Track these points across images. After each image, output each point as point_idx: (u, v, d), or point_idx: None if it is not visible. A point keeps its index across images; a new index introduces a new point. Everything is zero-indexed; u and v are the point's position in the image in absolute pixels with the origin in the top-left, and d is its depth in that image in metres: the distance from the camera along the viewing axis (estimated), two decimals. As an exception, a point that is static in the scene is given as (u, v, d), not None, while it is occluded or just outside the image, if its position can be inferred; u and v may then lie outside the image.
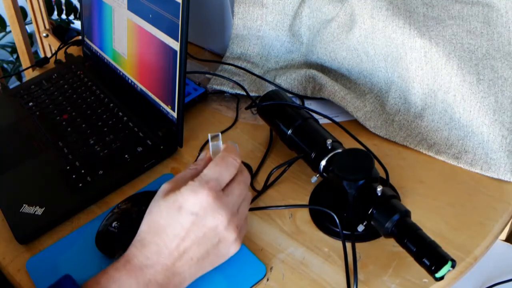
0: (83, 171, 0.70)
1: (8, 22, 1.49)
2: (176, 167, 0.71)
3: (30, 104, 0.85)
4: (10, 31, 1.44)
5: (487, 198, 0.61)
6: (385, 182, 0.62)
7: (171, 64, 0.69)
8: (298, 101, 0.78)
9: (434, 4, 0.74)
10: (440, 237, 0.57)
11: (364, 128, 0.71)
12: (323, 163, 0.59)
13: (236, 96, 0.81)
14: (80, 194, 0.67)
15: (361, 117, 0.72)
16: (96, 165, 0.70)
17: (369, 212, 0.53)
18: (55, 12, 2.01)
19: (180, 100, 0.69)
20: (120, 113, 0.79)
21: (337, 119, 0.71)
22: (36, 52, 1.81)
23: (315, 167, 0.60)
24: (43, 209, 0.65)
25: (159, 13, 0.69)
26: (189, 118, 0.78)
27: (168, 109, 0.72)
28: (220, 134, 0.54)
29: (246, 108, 0.78)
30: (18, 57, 1.74)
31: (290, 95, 0.76)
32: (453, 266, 0.48)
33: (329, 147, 0.59)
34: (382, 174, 0.61)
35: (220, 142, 0.54)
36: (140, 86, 0.78)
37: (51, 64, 0.98)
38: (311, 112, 0.67)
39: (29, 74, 1.01)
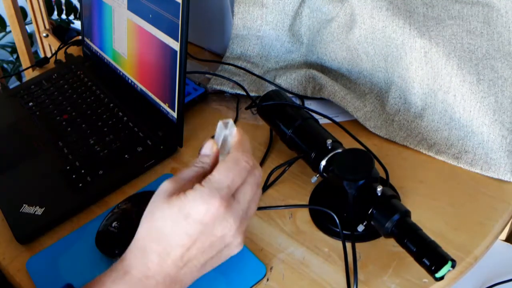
0: (83, 171, 0.70)
1: (8, 22, 1.49)
2: (176, 167, 0.71)
3: (30, 104, 0.85)
4: (10, 31, 1.44)
5: (487, 198, 0.61)
6: (385, 182, 0.62)
7: (171, 64, 0.69)
8: (298, 101, 0.78)
9: (434, 4, 0.74)
10: (440, 237, 0.57)
11: (364, 128, 0.71)
12: (323, 163, 0.59)
13: (236, 96, 0.81)
14: (80, 194, 0.67)
15: (361, 117, 0.72)
16: (96, 165, 0.70)
17: (369, 212, 0.53)
18: (55, 12, 2.01)
19: (180, 100, 0.69)
20: (120, 113, 0.79)
21: (337, 119, 0.71)
22: (36, 52, 1.81)
23: (315, 167, 0.60)
24: (43, 209, 0.65)
25: (159, 13, 0.69)
26: (189, 118, 0.78)
27: (168, 109, 0.72)
28: (231, 121, 0.48)
29: (246, 108, 0.78)
30: (18, 57, 1.74)
31: (290, 95, 0.76)
32: (453, 266, 0.48)
33: (329, 147, 0.59)
34: (382, 174, 0.61)
35: (234, 129, 0.48)
36: (140, 86, 0.78)
37: (51, 64, 0.98)
38: (311, 112, 0.67)
39: (29, 74, 1.01)
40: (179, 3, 0.64)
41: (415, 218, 0.53)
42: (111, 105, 0.81)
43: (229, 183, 0.46)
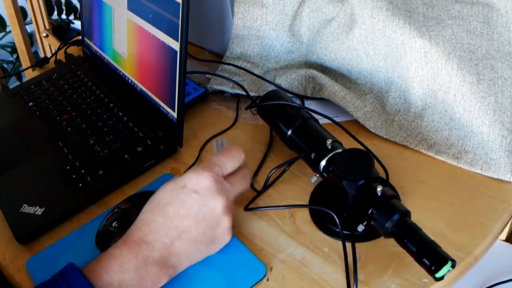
0: (83, 171, 0.70)
1: (8, 22, 1.49)
2: (176, 167, 0.71)
3: (30, 104, 0.85)
4: (10, 31, 1.44)
5: (487, 198, 0.61)
6: (385, 182, 0.62)
7: (171, 64, 0.69)
8: (298, 101, 0.78)
9: (434, 4, 0.74)
10: (440, 237, 0.57)
11: (364, 128, 0.71)
12: (323, 163, 0.59)
13: (236, 96, 0.81)
14: (80, 194, 0.67)
15: (361, 117, 0.72)
16: (96, 165, 0.70)
17: (369, 212, 0.53)
18: (55, 12, 2.01)
19: (180, 100, 0.69)
20: (120, 113, 0.79)
21: (337, 119, 0.71)
22: (36, 52, 1.81)
23: (315, 167, 0.60)
24: (43, 209, 0.65)
25: (159, 13, 0.69)
26: (189, 118, 0.78)
27: (168, 109, 0.72)
28: (224, 139, 0.63)
29: (246, 108, 0.78)
30: (18, 57, 1.74)
31: (290, 95, 0.76)
32: (453, 266, 0.48)
33: (329, 147, 0.59)
34: (382, 174, 0.61)
35: (225, 141, 0.63)
36: (140, 86, 0.78)
37: (51, 64, 0.98)
38: (311, 112, 0.67)
39: (29, 74, 1.01)
40: (179, 3, 0.64)
41: (415, 218, 0.53)
42: (111, 105, 0.81)
43: (221, 164, 0.55)
